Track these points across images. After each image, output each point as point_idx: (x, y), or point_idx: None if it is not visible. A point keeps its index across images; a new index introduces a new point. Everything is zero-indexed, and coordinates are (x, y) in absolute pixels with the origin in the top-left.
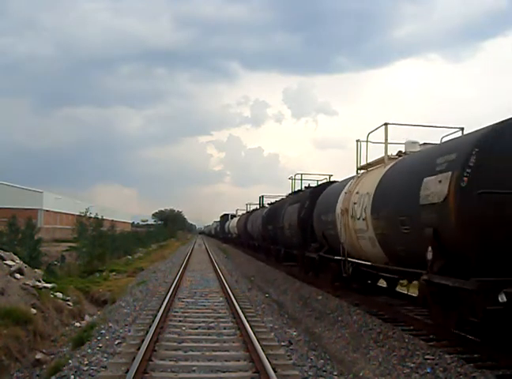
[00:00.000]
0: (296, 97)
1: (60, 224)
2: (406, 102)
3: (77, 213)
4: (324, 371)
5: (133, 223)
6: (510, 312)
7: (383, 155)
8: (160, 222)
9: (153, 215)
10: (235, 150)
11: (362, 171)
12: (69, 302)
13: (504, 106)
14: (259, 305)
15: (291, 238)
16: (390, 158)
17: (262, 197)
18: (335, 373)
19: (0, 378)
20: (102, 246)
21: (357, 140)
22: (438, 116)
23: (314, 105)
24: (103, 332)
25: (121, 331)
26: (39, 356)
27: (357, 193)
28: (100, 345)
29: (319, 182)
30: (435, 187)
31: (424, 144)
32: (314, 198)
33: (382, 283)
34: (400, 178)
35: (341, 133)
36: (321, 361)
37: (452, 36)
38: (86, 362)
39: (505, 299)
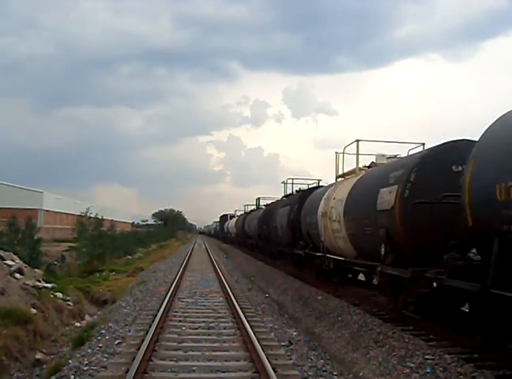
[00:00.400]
0: (296, 97)
1: (60, 224)
2: (406, 101)
3: (77, 213)
4: (324, 371)
5: (133, 223)
6: (440, 294)
7: (364, 164)
8: (160, 222)
9: (153, 215)
10: (235, 150)
11: (340, 179)
12: (69, 302)
13: (504, 106)
14: (259, 305)
15: (282, 238)
16: (361, 169)
17: (259, 198)
18: (335, 373)
19: (0, 378)
20: (102, 246)
21: (336, 153)
22: (438, 116)
23: (314, 105)
24: (103, 331)
25: (121, 331)
26: (39, 356)
27: (334, 198)
28: (100, 345)
29: (309, 186)
30: (387, 197)
31: (389, 157)
32: (302, 201)
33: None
34: (365, 188)
35: (341, 133)
36: (321, 361)
37: (452, 36)
38: (86, 362)
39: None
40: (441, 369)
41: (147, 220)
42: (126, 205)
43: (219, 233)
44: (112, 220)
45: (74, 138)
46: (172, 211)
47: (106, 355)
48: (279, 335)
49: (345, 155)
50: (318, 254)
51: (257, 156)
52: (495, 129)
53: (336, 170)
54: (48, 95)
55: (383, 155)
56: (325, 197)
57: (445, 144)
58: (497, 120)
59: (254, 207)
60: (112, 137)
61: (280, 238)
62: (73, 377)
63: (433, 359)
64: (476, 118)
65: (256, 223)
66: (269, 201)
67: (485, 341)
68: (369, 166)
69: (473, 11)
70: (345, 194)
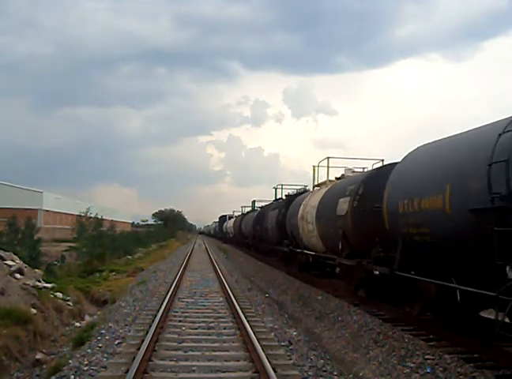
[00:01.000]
0: (296, 97)
1: (60, 224)
2: (406, 101)
3: (77, 213)
4: (324, 371)
5: (133, 223)
6: (385, 283)
7: (334, 176)
8: (160, 222)
9: (153, 215)
10: (235, 150)
11: (316, 188)
12: (69, 302)
13: (504, 106)
14: (259, 305)
15: (272, 237)
16: (331, 181)
17: (254, 201)
18: (335, 373)
19: (0, 378)
20: (102, 246)
21: (313, 166)
22: (438, 116)
23: (315, 105)
24: (103, 331)
25: (121, 331)
26: (39, 356)
27: (309, 204)
28: (100, 345)
29: (296, 191)
30: (343, 205)
31: (355, 172)
32: (288, 205)
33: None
34: (330, 198)
35: (342, 132)
36: (321, 361)
37: (452, 36)
38: (86, 362)
39: (377, 273)
40: (441, 369)
41: (147, 220)
42: (126, 205)
43: (218, 233)
44: (112, 220)
45: (74, 138)
46: (172, 211)
47: (106, 355)
48: (279, 335)
49: (326, 166)
50: (298, 250)
51: (257, 156)
52: (399, 167)
53: (313, 181)
54: (48, 95)
55: (350, 169)
56: (303, 202)
57: (385, 165)
58: (402, 159)
59: (250, 208)
60: (112, 137)
61: (270, 238)
62: (73, 377)
63: (433, 359)
64: (476, 118)
65: (251, 224)
66: (264, 204)
67: (397, 305)
68: (340, 178)
69: (473, 11)
70: (317, 201)
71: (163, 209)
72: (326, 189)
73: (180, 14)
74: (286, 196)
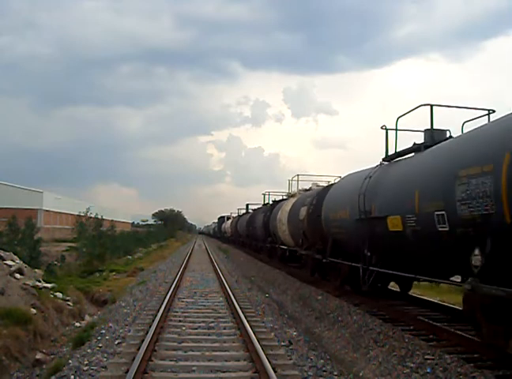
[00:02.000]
0: (297, 97)
1: (60, 224)
2: (407, 101)
3: (77, 213)
4: (324, 371)
5: (133, 223)
6: (325, 266)
7: (306, 186)
8: (160, 222)
9: (153, 215)
10: (235, 150)
11: (290, 198)
12: (69, 302)
13: (504, 106)
14: (259, 305)
15: (260, 235)
16: (300, 192)
17: (248, 205)
18: (335, 373)
19: (0, 378)
20: (102, 246)
21: (289, 179)
22: (439, 116)
23: (315, 105)
24: (103, 331)
25: (121, 331)
26: (39, 356)
27: (284, 210)
28: (100, 345)
29: (282, 197)
30: (303, 212)
31: (317, 185)
32: (272, 210)
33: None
34: (296, 205)
35: (342, 132)
36: (321, 361)
37: (453, 36)
38: (86, 362)
39: (324, 260)
40: (441, 369)
41: (147, 220)
42: (126, 205)
43: (217, 233)
44: (112, 220)
45: (74, 138)
46: (172, 211)
47: (106, 355)
48: (279, 335)
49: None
50: (276, 246)
51: (257, 156)
52: (331, 189)
53: (288, 191)
54: (48, 94)
55: (315, 183)
56: (281, 208)
57: (330, 185)
58: (334, 184)
59: (245, 211)
60: (112, 137)
61: (258, 236)
62: (73, 377)
63: (433, 359)
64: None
65: (244, 224)
66: (256, 207)
67: (327, 281)
68: (307, 190)
69: (474, 11)
70: (289, 208)
71: (163, 209)
72: (295, 199)
73: (180, 14)
74: (273, 201)
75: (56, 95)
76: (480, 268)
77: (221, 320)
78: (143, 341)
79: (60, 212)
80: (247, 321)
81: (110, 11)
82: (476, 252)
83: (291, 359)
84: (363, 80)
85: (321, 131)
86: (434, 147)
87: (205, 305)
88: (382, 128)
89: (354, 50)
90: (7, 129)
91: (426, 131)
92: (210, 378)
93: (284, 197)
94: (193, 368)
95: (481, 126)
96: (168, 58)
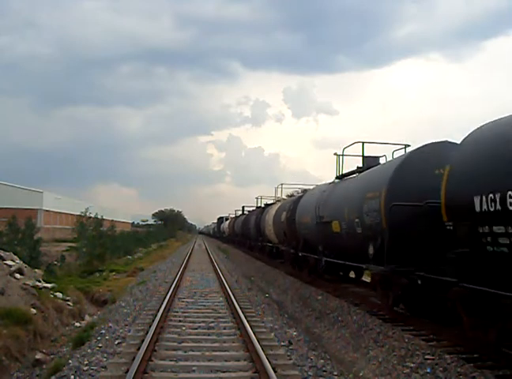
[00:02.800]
0: (297, 97)
1: (60, 224)
2: (407, 101)
3: (77, 213)
4: (324, 371)
5: (133, 223)
6: (299, 259)
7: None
8: (160, 222)
9: (153, 215)
10: (235, 150)
11: (277, 202)
12: (69, 302)
13: (505, 106)
14: (259, 305)
15: (253, 235)
16: (284, 199)
17: (243, 207)
18: (335, 373)
19: (0, 378)
20: (102, 246)
21: (275, 187)
22: (439, 116)
23: (315, 104)
24: (103, 331)
25: (121, 331)
26: (39, 356)
27: (271, 213)
28: (100, 345)
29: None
30: (284, 216)
31: (298, 193)
32: (262, 213)
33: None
34: (279, 210)
35: (342, 132)
36: (321, 361)
37: (453, 36)
38: (86, 362)
39: (299, 254)
40: (441, 369)
41: (147, 220)
42: (126, 205)
43: (217, 233)
44: (112, 220)
45: (74, 138)
46: (172, 211)
47: (106, 355)
48: (279, 335)
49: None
50: (264, 243)
51: (257, 156)
52: (303, 198)
53: (274, 197)
54: (48, 94)
55: (296, 191)
56: (269, 212)
57: (304, 194)
58: (304, 194)
59: (241, 212)
60: (112, 137)
61: (251, 236)
62: (73, 377)
63: (433, 359)
64: (477, 118)
65: (240, 225)
66: (251, 209)
67: (301, 271)
68: (291, 196)
69: (474, 11)
70: (274, 211)
71: (163, 209)
72: (279, 204)
73: (180, 14)
74: (265, 205)
75: (56, 95)
76: (372, 256)
77: (221, 320)
78: (143, 341)
79: (60, 212)
80: (247, 321)
81: (110, 11)
82: (371, 246)
83: (291, 359)
84: (363, 80)
85: (322, 131)
86: (360, 174)
87: (205, 305)
88: (334, 154)
89: (354, 50)
90: (7, 129)
91: (363, 158)
92: (210, 378)
93: (272, 202)
94: (194, 368)
95: (382, 164)
96: (168, 58)
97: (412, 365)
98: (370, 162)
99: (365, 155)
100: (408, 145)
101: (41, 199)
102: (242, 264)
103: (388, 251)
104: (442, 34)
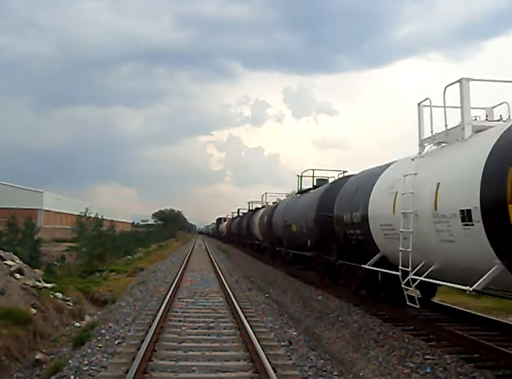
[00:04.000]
0: (297, 97)
1: (60, 224)
2: (407, 101)
3: (77, 213)
4: (324, 371)
5: (133, 223)
6: (277, 252)
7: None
8: (159, 222)
9: (153, 215)
10: (235, 150)
11: (262, 208)
12: (69, 302)
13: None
14: (259, 305)
15: (244, 234)
16: (269, 206)
17: (239, 209)
18: (335, 373)
19: (0, 378)
20: (102, 246)
21: (262, 195)
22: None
23: (315, 104)
24: (103, 331)
25: (121, 331)
26: (39, 356)
27: (258, 216)
28: (100, 345)
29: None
30: (265, 219)
31: (280, 200)
32: (252, 215)
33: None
34: (263, 214)
35: (342, 132)
36: (321, 361)
37: (453, 36)
38: (86, 362)
39: (277, 249)
40: (441, 369)
41: (147, 220)
42: (125, 205)
43: (216, 233)
44: (112, 220)
45: (74, 138)
46: (172, 211)
47: (106, 355)
48: (279, 335)
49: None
50: (253, 241)
51: (257, 156)
52: (279, 205)
53: (262, 203)
54: (48, 94)
55: (279, 199)
56: (256, 215)
57: (280, 202)
58: (275, 206)
59: (237, 214)
60: (112, 137)
61: (244, 235)
62: (73, 377)
63: (433, 359)
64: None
65: (236, 225)
66: (246, 211)
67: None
68: (275, 202)
69: (474, 11)
70: (260, 215)
71: (163, 209)
72: (264, 210)
73: (180, 14)
74: (255, 208)
75: (56, 95)
76: (309, 246)
77: (221, 320)
78: (143, 341)
79: (60, 212)
80: (247, 321)
81: (110, 11)
82: (309, 240)
83: (291, 359)
84: (363, 80)
85: (322, 131)
86: (308, 193)
87: (204, 305)
88: (297, 175)
89: (354, 50)
90: (7, 129)
91: (317, 180)
92: (210, 378)
93: (260, 207)
94: (194, 368)
95: (320, 188)
96: (168, 58)
97: (412, 365)
98: (320, 183)
99: (319, 176)
100: (346, 171)
101: (41, 199)
102: (243, 264)
103: (316, 243)
104: (442, 34)
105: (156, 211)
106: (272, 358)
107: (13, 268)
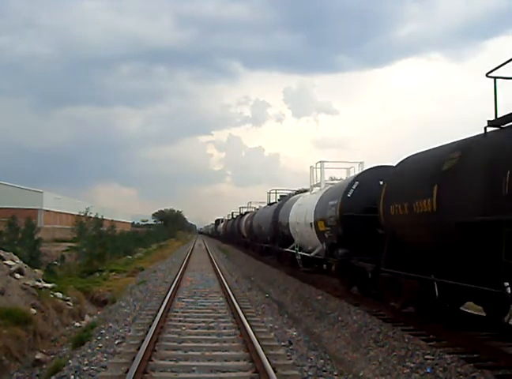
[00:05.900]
0: (297, 96)
1: (60, 224)
2: (407, 101)
3: (77, 213)
4: (324, 371)
5: (133, 223)
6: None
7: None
8: (160, 222)
9: (153, 215)
10: (235, 150)
11: (260, 209)
12: (69, 302)
13: (507, 106)
14: (259, 304)
15: (237, 233)
16: (265, 207)
17: (232, 213)
18: (335, 373)
19: (0, 378)
20: (102, 246)
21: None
22: (439, 115)
23: (315, 104)
24: (103, 331)
25: (121, 331)
26: (39, 356)
27: (243, 219)
28: (100, 345)
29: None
30: (248, 222)
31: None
32: (241, 218)
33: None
34: (247, 219)
35: (342, 132)
36: (321, 361)
37: (454, 35)
38: (86, 362)
39: (268, 246)
40: (441, 369)
41: (147, 220)
42: (126, 205)
43: (214, 233)
44: (112, 220)
45: (74, 138)
46: (172, 211)
47: (106, 355)
48: (279, 335)
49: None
50: (240, 239)
51: (257, 156)
52: (277, 206)
53: (249, 206)
54: (48, 94)
55: (266, 206)
56: (243, 218)
57: (279, 203)
58: (279, 203)
59: (234, 216)
60: (112, 137)
61: (236, 234)
62: (73, 377)
63: (433, 359)
64: (477, 118)
65: (230, 226)
66: (244, 210)
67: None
68: (271, 204)
69: (474, 11)
70: (245, 219)
71: (163, 209)
72: (248, 214)
73: (180, 14)
74: (245, 212)
75: (56, 95)
76: (269, 240)
77: (221, 320)
78: (143, 341)
79: (60, 212)
80: (247, 321)
81: (110, 11)
82: (269, 236)
83: (291, 359)
84: (363, 80)
85: (322, 131)
86: (274, 204)
87: (205, 305)
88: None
89: (354, 50)
90: (7, 129)
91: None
92: (210, 378)
93: (246, 211)
94: (194, 368)
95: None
96: (168, 57)
97: (412, 365)
98: (281, 198)
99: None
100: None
101: (41, 199)
102: (243, 264)
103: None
104: (443, 34)
105: (156, 211)
106: (272, 358)
107: (13, 268)
